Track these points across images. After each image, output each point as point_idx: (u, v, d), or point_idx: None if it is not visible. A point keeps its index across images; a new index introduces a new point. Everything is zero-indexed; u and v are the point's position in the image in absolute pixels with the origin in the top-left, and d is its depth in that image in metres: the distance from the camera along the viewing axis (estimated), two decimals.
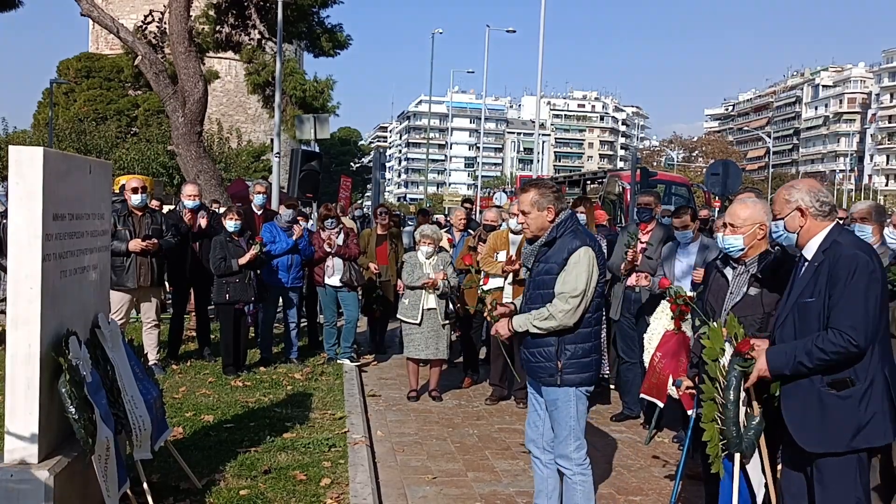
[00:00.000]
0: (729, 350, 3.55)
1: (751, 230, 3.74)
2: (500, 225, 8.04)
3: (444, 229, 10.58)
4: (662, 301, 5.82)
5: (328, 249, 8.26)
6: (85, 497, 3.77)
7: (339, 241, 8.37)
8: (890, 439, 3.20)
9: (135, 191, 7.38)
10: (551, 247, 3.92)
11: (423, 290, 7.15)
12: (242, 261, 7.56)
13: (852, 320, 3.09)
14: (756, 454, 3.66)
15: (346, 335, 8.47)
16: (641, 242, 6.52)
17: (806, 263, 3.34)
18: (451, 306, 7.37)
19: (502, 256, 7.10)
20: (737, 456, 3.56)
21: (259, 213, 9.46)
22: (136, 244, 7.17)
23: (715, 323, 3.68)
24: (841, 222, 3.54)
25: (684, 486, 4.56)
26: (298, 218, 8.99)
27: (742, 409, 3.55)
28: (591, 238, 4.02)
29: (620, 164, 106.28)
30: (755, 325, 3.67)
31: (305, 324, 9.69)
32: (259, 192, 9.54)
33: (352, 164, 72.81)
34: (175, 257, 8.02)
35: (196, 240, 8.28)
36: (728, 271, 3.86)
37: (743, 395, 3.57)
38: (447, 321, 7.28)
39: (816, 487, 3.26)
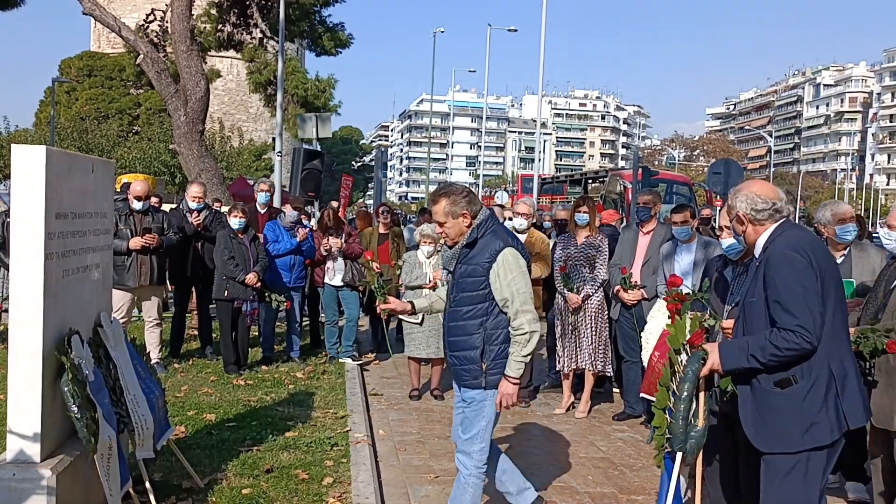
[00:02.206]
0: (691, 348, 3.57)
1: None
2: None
3: None
4: (658, 300, 5.83)
5: (335, 252, 8.28)
6: (87, 496, 3.77)
7: (339, 241, 8.39)
8: (837, 435, 3.17)
9: (138, 198, 7.37)
10: (473, 248, 3.87)
11: (423, 290, 7.15)
12: (251, 279, 7.64)
13: (799, 318, 3.08)
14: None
15: (348, 334, 8.48)
16: (636, 288, 6.45)
17: (753, 262, 3.41)
18: None
19: None
20: (678, 455, 3.57)
21: (263, 211, 9.45)
22: (136, 242, 7.17)
23: (679, 319, 3.71)
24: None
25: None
26: (301, 217, 8.99)
27: (693, 409, 3.56)
28: (513, 237, 4.00)
29: (622, 164, 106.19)
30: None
31: (307, 322, 9.69)
32: (263, 191, 9.53)
33: (353, 162, 72.84)
34: (177, 256, 8.02)
35: (197, 241, 8.27)
36: (728, 272, 3.92)
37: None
38: None
39: (762, 485, 3.28)
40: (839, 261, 4.99)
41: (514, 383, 3.83)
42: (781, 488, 3.21)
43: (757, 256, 3.35)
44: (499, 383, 3.83)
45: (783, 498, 3.22)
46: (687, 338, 3.56)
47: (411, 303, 4.36)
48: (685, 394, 3.48)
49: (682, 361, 3.56)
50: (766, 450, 3.26)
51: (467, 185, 4.00)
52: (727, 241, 3.90)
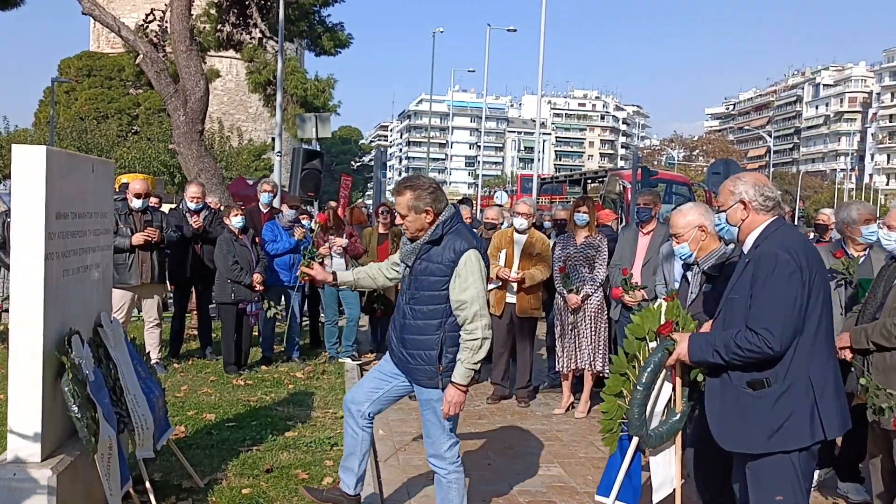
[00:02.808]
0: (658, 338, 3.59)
1: (692, 234, 3.95)
2: (501, 224, 8.04)
3: None
4: (659, 300, 5.83)
5: (337, 252, 8.28)
6: (87, 496, 3.77)
7: (343, 241, 8.38)
8: (806, 443, 3.11)
9: (137, 196, 7.39)
10: (436, 245, 3.78)
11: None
12: (256, 279, 7.69)
13: (768, 322, 3.04)
14: (669, 450, 3.70)
15: (348, 334, 8.48)
16: (637, 289, 6.43)
17: (742, 257, 3.35)
18: None
19: (503, 255, 7.11)
20: (634, 439, 3.60)
21: (265, 211, 9.45)
22: (138, 237, 7.18)
23: (654, 306, 3.75)
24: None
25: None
26: (301, 217, 8.98)
27: (662, 398, 3.59)
28: (476, 238, 3.95)
29: (621, 164, 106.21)
30: (703, 321, 3.74)
31: (307, 322, 9.69)
32: (266, 191, 9.53)
33: (352, 162, 72.79)
34: (177, 256, 8.02)
35: (196, 242, 8.26)
36: (688, 274, 4.09)
37: (670, 389, 3.59)
38: None
39: (750, 492, 3.26)
40: (860, 261, 4.98)
41: (463, 391, 3.76)
42: (764, 495, 3.19)
43: (745, 252, 3.30)
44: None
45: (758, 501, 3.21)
46: (658, 326, 3.57)
47: (334, 273, 4.30)
48: (644, 381, 3.51)
49: (647, 349, 3.58)
50: (727, 448, 3.28)
51: (435, 180, 3.89)
52: (677, 248, 4.02)
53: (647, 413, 3.57)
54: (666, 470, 3.81)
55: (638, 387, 3.51)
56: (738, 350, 3.09)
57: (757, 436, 3.13)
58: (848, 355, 4.17)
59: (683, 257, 4.04)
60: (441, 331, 3.77)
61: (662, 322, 3.62)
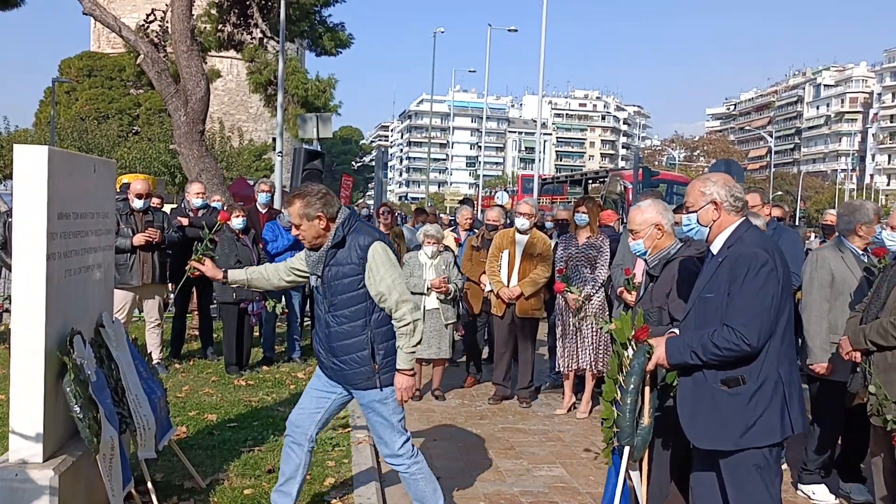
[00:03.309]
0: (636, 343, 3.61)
1: (648, 232, 3.99)
2: (503, 224, 8.03)
3: (451, 228, 10.57)
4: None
5: None
6: (89, 496, 3.77)
7: None
8: (777, 439, 3.18)
9: (139, 196, 7.39)
10: (341, 248, 3.77)
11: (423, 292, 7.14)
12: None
13: (746, 318, 3.09)
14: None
15: None
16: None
17: (711, 258, 3.37)
18: (460, 308, 7.37)
19: (506, 256, 7.11)
20: (626, 450, 3.59)
21: (263, 211, 9.45)
22: (139, 238, 7.19)
23: (625, 314, 3.75)
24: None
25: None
26: None
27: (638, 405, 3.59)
28: (379, 232, 3.98)
29: (622, 164, 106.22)
30: (650, 318, 3.83)
31: (308, 323, 9.68)
32: (264, 191, 9.54)
33: (353, 162, 72.80)
34: (178, 256, 8.02)
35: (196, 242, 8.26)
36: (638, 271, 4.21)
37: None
38: (451, 322, 7.26)
39: (728, 490, 3.28)
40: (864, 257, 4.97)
41: (410, 375, 3.80)
42: (745, 490, 3.22)
43: (714, 251, 3.34)
44: (393, 380, 3.79)
45: (746, 500, 3.23)
46: (632, 333, 3.59)
47: (225, 271, 4.27)
48: (632, 386, 3.51)
49: (628, 355, 3.60)
50: (700, 446, 3.31)
51: (323, 188, 3.85)
52: (633, 244, 4.07)
53: (637, 420, 3.57)
54: (637, 477, 3.82)
55: (627, 392, 3.51)
56: (716, 349, 3.14)
57: (731, 433, 3.18)
58: (857, 357, 4.17)
59: (638, 254, 4.11)
60: (367, 329, 3.78)
61: (635, 326, 3.62)
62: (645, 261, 4.12)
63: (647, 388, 3.60)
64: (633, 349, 3.55)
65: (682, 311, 3.62)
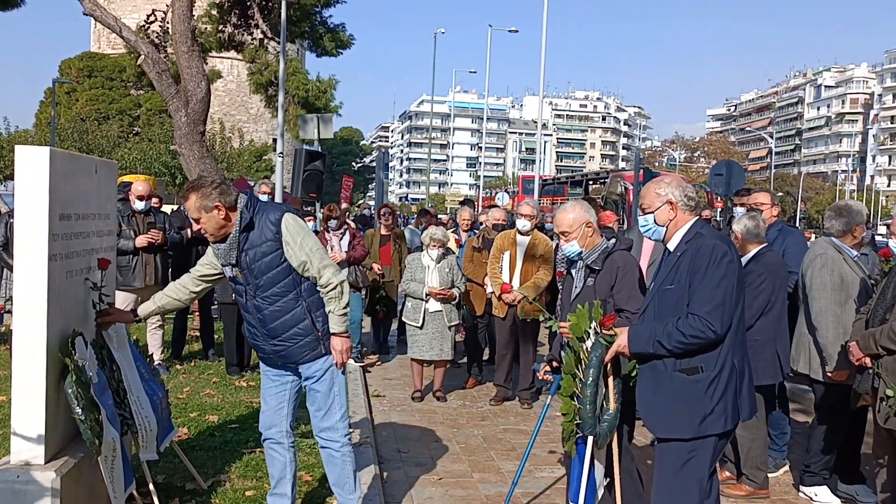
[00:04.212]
0: (595, 334, 3.65)
1: (580, 231, 4.12)
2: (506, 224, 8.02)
3: (451, 229, 10.57)
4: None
5: (338, 258, 8.24)
6: (91, 498, 3.76)
7: (345, 244, 8.33)
8: (730, 426, 3.29)
9: (140, 198, 7.37)
10: (251, 230, 3.75)
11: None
12: None
13: (710, 307, 3.19)
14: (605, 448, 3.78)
15: (351, 335, 8.44)
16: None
17: (668, 254, 3.49)
18: (463, 310, 7.37)
19: (507, 257, 7.10)
20: (590, 439, 3.65)
21: None
22: (142, 239, 7.17)
23: (581, 307, 3.78)
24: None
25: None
26: (307, 219, 8.96)
27: (601, 394, 3.64)
28: (286, 206, 3.98)
29: (622, 165, 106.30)
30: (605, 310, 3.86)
31: None
32: (264, 192, 9.54)
33: (353, 163, 72.77)
34: (179, 258, 8.01)
35: (197, 244, 8.24)
36: (573, 270, 4.23)
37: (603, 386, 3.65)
38: (454, 324, 7.25)
39: (656, 473, 3.39)
40: (856, 258, 4.97)
41: (346, 337, 3.85)
42: (675, 477, 3.31)
43: (671, 248, 3.47)
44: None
45: (674, 485, 3.32)
46: (590, 325, 3.64)
47: (133, 310, 4.24)
48: (591, 379, 3.57)
49: (585, 348, 3.64)
50: (659, 434, 3.39)
51: (217, 179, 3.82)
52: (566, 246, 4.15)
53: (599, 410, 3.62)
54: (602, 466, 3.86)
55: (587, 385, 3.57)
56: (682, 337, 3.22)
57: (688, 422, 3.26)
58: (867, 362, 4.16)
59: (572, 255, 4.17)
60: (301, 300, 3.80)
61: (594, 318, 3.67)
62: (579, 259, 4.17)
63: (610, 377, 3.68)
64: (592, 341, 3.62)
65: (626, 302, 3.92)
